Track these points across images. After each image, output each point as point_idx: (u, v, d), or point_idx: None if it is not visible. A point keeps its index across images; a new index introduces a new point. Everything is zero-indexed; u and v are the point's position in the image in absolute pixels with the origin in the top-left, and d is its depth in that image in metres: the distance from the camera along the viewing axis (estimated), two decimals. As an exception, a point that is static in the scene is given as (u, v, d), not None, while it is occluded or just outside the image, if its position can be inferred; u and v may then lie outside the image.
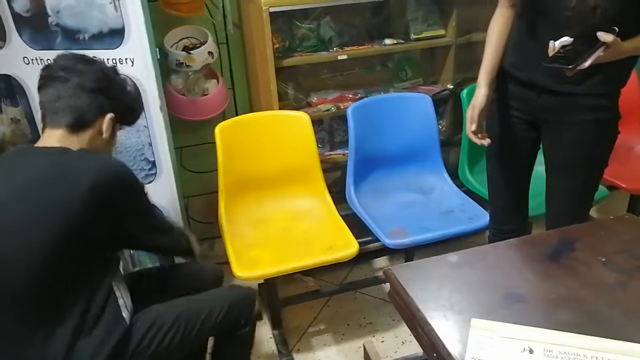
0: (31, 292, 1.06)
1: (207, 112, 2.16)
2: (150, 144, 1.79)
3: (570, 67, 1.19)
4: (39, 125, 1.31)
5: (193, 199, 2.41)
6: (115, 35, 1.64)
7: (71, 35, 1.67)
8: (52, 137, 1.19)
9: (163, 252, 1.39)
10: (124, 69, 1.67)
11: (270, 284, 1.83)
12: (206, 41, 2.08)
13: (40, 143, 1.20)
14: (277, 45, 1.99)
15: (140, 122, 1.75)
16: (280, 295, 1.99)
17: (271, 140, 1.95)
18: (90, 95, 1.22)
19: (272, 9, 1.81)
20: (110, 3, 1.59)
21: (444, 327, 0.85)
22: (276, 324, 1.93)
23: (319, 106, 2.15)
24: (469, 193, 2.11)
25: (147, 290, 1.34)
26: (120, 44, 1.65)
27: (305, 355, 1.89)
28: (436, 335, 0.83)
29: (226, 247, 1.72)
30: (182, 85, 2.14)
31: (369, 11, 2.21)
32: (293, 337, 1.96)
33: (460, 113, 2.16)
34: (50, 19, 1.66)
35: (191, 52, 2.04)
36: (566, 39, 1.17)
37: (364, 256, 2.19)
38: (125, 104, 1.32)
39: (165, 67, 2.11)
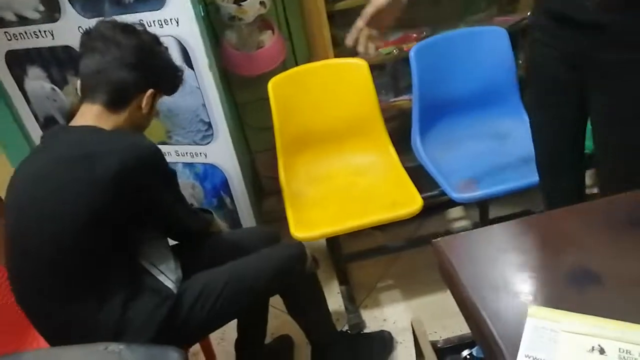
0: (66, 262, 1.08)
1: (264, 66, 2.08)
2: (204, 105, 1.76)
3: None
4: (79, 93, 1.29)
5: (261, 154, 2.39)
6: (158, -5, 1.59)
7: (117, 0, 1.65)
8: (89, 114, 1.17)
9: (184, 238, 1.36)
10: (169, 30, 1.63)
11: (332, 241, 1.78)
12: (257, -10, 1.97)
13: (76, 121, 1.18)
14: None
15: (192, 82, 1.72)
16: (347, 250, 1.94)
17: (327, 92, 1.84)
18: (130, 70, 1.18)
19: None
20: (149, -39, 1.53)
21: (495, 312, 0.73)
22: (342, 279, 1.90)
23: (379, 50, 1.98)
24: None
25: (201, 255, 1.34)
26: (163, 5, 1.60)
27: (373, 312, 1.85)
28: (485, 322, 0.72)
29: (285, 208, 1.69)
30: (237, 40, 2.07)
31: None
32: (361, 293, 1.92)
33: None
34: (96, -14, 1.64)
35: (242, 3, 1.95)
36: None
37: (437, 207, 2.07)
38: (165, 78, 1.28)
39: (219, 21, 2.05)
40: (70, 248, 1.07)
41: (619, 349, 0.62)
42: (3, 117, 1.93)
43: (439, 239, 0.89)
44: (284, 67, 2.17)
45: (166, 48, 1.31)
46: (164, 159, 1.18)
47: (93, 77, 1.18)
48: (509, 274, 0.80)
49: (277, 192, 2.37)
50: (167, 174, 1.19)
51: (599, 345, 0.63)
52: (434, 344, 0.94)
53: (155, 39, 1.27)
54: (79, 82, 1.24)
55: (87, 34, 1.23)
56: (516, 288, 0.76)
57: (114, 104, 1.18)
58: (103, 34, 1.20)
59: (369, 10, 1.16)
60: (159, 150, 1.16)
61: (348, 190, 1.77)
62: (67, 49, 1.79)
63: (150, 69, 1.22)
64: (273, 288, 1.36)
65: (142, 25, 1.28)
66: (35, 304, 1.15)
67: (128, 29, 1.22)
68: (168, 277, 1.17)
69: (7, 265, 1.17)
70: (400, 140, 1.92)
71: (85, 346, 0.91)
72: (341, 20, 1.97)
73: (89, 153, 1.07)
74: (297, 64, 2.25)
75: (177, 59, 1.68)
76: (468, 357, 0.93)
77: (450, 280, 0.83)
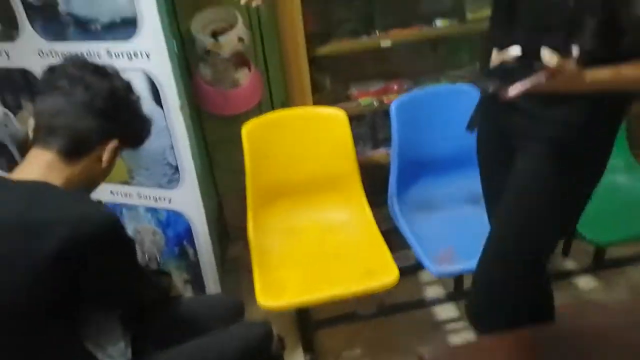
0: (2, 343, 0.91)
1: (239, 107, 1.96)
2: (172, 147, 1.62)
3: (489, 89, 0.86)
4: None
5: (229, 197, 2.25)
6: (128, 25, 1.45)
7: (83, 25, 1.50)
8: (38, 162, 1.00)
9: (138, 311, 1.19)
10: (139, 63, 1.50)
11: (301, 310, 1.65)
12: (235, 25, 1.86)
13: (21, 169, 1.01)
14: (311, 29, 1.73)
15: (160, 122, 1.58)
16: (315, 316, 1.81)
17: (304, 141, 1.73)
18: (96, 117, 1.02)
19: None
20: (122, -11, 1.40)
21: None
22: (308, 347, 1.76)
23: (359, 99, 1.90)
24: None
25: (156, 329, 1.18)
26: (133, 35, 1.46)
27: (339, 381, 1.71)
28: None
29: (252, 266, 1.55)
30: (211, 75, 1.95)
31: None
32: (327, 361, 1.79)
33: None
34: (60, 8, 1.49)
35: (219, 38, 1.84)
36: (515, 50, 0.85)
37: (410, 269, 1.97)
38: (134, 130, 1.12)
39: (194, 54, 1.93)
40: (6, 329, 0.90)
41: None
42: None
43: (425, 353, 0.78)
44: (259, 106, 2.06)
45: (138, 97, 1.16)
46: (122, 233, 1.01)
47: (51, 120, 1.02)
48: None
49: (244, 237, 2.23)
50: (125, 250, 1.03)
51: None
52: None
53: (128, 86, 1.12)
54: (31, 121, 1.06)
55: (52, 71, 1.07)
56: None
57: (71, 153, 1.01)
58: (70, 73, 1.05)
59: None
60: (118, 222, 0.99)
61: (319, 248, 1.65)
62: (23, 72, 1.63)
63: (118, 119, 1.07)
64: None
65: (116, 70, 1.12)
66: None
67: (100, 71, 1.08)
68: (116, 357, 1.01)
69: None
70: (376, 193, 1.83)
71: None
72: (322, 65, 1.89)
73: (31, 222, 0.90)
74: (272, 105, 2.14)
75: (146, 96, 1.54)
76: None
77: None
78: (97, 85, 1.03)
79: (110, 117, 1.04)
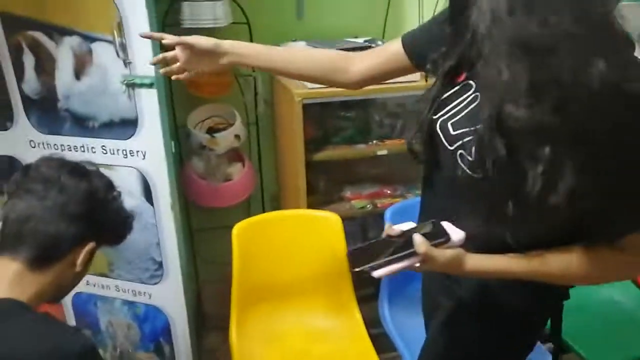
0: None
1: (228, 200, 1.95)
2: (158, 244, 1.58)
3: (356, 269, 0.78)
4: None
5: (208, 286, 2.19)
6: (127, 126, 1.46)
7: (81, 122, 1.51)
8: (3, 274, 0.91)
9: None
10: (133, 162, 1.50)
11: None
12: (233, 123, 1.89)
13: None
14: (310, 135, 1.77)
15: (149, 219, 1.56)
16: None
17: (295, 243, 1.70)
18: (71, 221, 0.95)
19: (305, 101, 1.61)
20: (124, 92, 1.41)
21: None
22: None
23: (352, 202, 1.91)
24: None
25: None
26: (132, 135, 1.47)
27: None
28: None
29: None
30: (204, 169, 1.95)
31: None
32: None
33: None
34: (59, 104, 1.50)
35: (215, 135, 1.86)
36: (404, 226, 0.82)
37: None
38: (113, 229, 1.07)
39: (188, 147, 1.94)
40: None
41: None
42: None
43: None
44: (248, 201, 2.05)
45: (119, 194, 1.09)
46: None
47: (20, 226, 0.94)
48: None
49: (222, 327, 2.14)
50: None
51: None
52: None
53: (108, 184, 1.06)
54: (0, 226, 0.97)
55: (25, 172, 1.00)
56: None
57: (41, 261, 0.94)
58: (45, 176, 0.98)
59: (187, 38, 1.05)
60: (93, 352, 0.88)
61: (304, 357, 1.57)
62: (11, 159, 1.61)
63: (96, 221, 1.00)
64: None
65: (95, 165, 1.07)
66: None
67: (78, 170, 1.01)
68: None
69: None
70: (367, 297, 1.80)
71: None
72: (317, 167, 1.91)
73: None
74: (263, 200, 2.14)
75: (135, 192, 1.52)
76: None
77: None
78: (74, 187, 0.97)
79: (86, 220, 0.97)
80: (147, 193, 1.53)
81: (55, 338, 0.85)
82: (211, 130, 1.93)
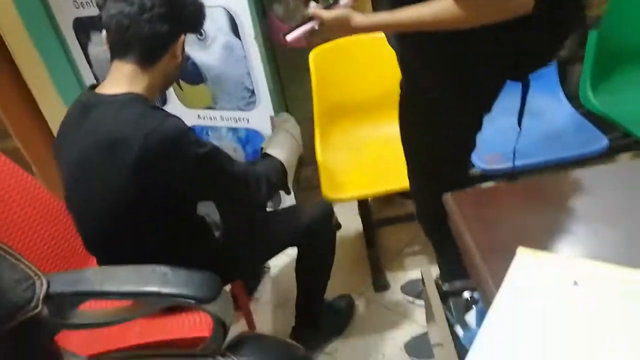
0: (123, 230, 1.18)
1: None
2: (248, 74, 1.89)
3: (282, 34, 1.05)
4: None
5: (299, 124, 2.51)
6: (210, -32, 1.71)
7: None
8: (121, 75, 1.15)
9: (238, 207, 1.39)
10: (222, 1, 1.76)
11: (363, 205, 1.89)
12: (303, -35, 2.06)
13: (111, 84, 1.16)
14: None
15: (239, 52, 1.85)
16: (377, 216, 2.05)
17: (367, 64, 1.93)
18: (162, 21, 1.11)
19: None
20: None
21: (489, 253, 0.83)
22: (371, 243, 2.01)
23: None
24: (590, 116, 1.91)
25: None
26: (215, -24, 1.72)
27: (398, 275, 1.96)
28: (479, 266, 0.82)
29: (319, 171, 1.81)
30: (283, 13, 2.18)
31: None
32: (387, 257, 2.03)
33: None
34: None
35: (289, -22, 2.05)
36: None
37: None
38: (195, 18, 1.22)
39: (267, -5, 2.16)
40: (125, 220, 1.16)
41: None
42: (69, 81, 2.11)
43: (449, 194, 0.99)
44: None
45: None
46: (194, 141, 1.13)
47: (123, 34, 1.12)
48: (515, 231, 0.88)
49: (312, 162, 2.50)
50: (199, 154, 1.12)
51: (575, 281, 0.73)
52: (439, 287, 1.04)
53: None
54: (104, 35, 1.17)
55: None
56: (511, 240, 0.86)
57: (148, 60, 1.14)
58: None
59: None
60: (185, 132, 1.11)
61: (382, 158, 1.87)
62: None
63: (181, 15, 1.16)
64: (299, 240, 1.47)
65: None
66: (100, 253, 1.28)
67: None
68: (217, 224, 1.32)
69: (70, 209, 1.28)
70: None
71: (137, 267, 1.05)
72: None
73: (116, 137, 1.08)
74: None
75: (225, 28, 1.81)
76: (469, 298, 1.03)
77: (456, 230, 0.93)
78: None
79: (173, 17, 1.13)
80: (235, 29, 1.81)
81: (157, 122, 1.09)
82: (286, -26, 2.12)
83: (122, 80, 1.15)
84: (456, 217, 0.95)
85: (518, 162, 1.65)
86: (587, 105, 1.97)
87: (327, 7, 1.05)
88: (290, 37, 1.06)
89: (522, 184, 1.02)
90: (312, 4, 1.03)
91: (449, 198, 0.99)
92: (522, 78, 1.19)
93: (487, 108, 1.22)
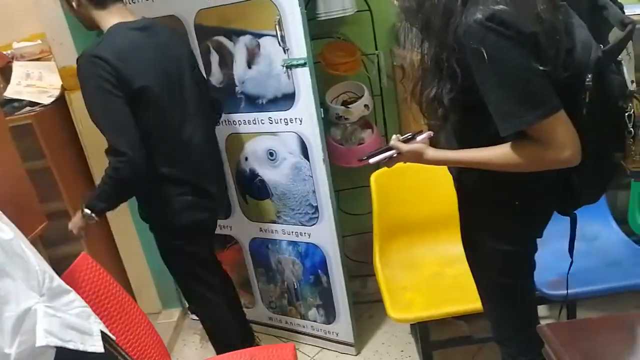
0: None
1: (363, 160, 2.33)
2: (314, 192, 2.01)
3: (359, 159, 1.24)
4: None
5: (347, 238, 2.59)
6: (287, 99, 1.91)
7: (252, 101, 1.99)
8: (127, 12, 1.66)
9: None
10: (293, 127, 1.94)
11: (422, 327, 1.89)
12: (362, 95, 2.28)
13: (128, 16, 1.64)
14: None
15: (306, 172, 1.99)
16: (431, 338, 2.03)
17: (423, 186, 2.04)
18: None
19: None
20: (285, 72, 1.86)
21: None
22: (428, 364, 1.98)
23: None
24: (640, 243, 1.96)
25: None
26: (291, 106, 1.91)
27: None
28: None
29: (380, 288, 1.84)
30: (341, 136, 2.36)
31: None
32: (445, 381, 1.98)
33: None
34: (237, 88, 1.99)
35: (349, 106, 2.25)
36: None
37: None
38: None
39: (326, 119, 2.36)
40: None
41: None
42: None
43: (544, 325, 1.02)
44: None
45: None
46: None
47: None
48: None
49: (361, 275, 2.53)
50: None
51: None
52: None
53: None
54: None
55: None
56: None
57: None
58: None
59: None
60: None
61: (439, 277, 1.90)
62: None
63: None
64: None
65: None
66: None
67: None
68: None
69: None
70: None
71: None
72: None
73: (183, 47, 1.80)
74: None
75: (296, 151, 1.97)
76: None
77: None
78: None
79: None
80: (304, 151, 1.97)
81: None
82: (345, 103, 2.33)
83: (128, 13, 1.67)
84: (554, 346, 0.97)
85: (578, 289, 1.67)
86: (637, 231, 2.02)
87: (406, 140, 1.24)
88: (372, 160, 1.23)
89: (616, 319, 1.04)
90: (393, 137, 1.23)
91: (544, 328, 1.02)
92: (569, 214, 1.33)
93: (538, 234, 1.37)
